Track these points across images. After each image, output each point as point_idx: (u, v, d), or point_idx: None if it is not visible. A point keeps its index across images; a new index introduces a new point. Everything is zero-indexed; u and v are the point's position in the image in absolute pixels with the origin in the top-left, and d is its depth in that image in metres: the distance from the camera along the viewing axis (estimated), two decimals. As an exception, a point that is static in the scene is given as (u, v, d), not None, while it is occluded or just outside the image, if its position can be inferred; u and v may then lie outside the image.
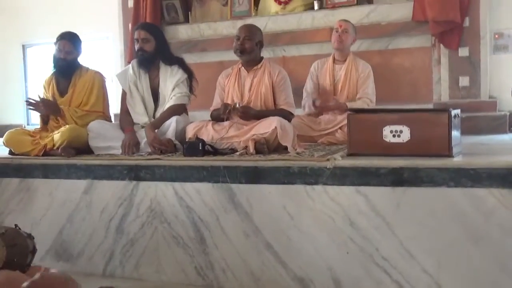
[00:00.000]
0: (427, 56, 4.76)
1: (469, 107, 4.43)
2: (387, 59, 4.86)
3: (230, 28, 5.45)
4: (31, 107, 3.64)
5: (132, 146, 3.42)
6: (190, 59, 5.50)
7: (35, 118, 7.39)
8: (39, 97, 3.67)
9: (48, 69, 6.82)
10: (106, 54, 6.59)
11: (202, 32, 5.61)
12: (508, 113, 4.46)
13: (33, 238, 2.72)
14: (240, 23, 5.32)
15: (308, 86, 4.22)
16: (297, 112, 3.79)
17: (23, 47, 7.34)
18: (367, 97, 3.96)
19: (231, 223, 2.99)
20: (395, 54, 4.86)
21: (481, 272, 2.49)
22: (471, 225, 2.50)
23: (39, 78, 7.20)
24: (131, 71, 3.78)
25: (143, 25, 3.82)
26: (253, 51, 3.44)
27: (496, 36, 4.81)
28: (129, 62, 5.44)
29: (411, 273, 2.61)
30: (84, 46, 3.85)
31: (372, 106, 3.96)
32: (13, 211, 3.58)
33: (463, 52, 4.56)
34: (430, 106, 4.65)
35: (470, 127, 4.22)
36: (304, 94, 4.20)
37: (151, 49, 3.65)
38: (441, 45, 4.61)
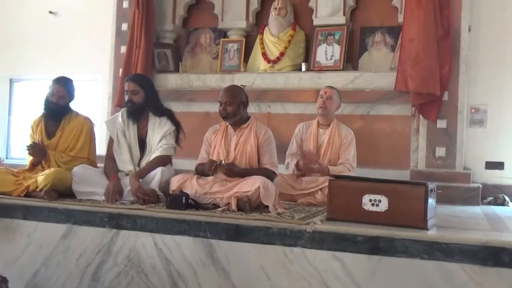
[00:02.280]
0: (407, 125, 4.94)
1: (444, 177, 4.59)
2: (368, 124, 5.03)
3: (218, 81, 5.60)
4: (29, 152, 3.67)
5: (115, 193, 3.46)
6: (177, 107, 5.61)
7: (15, 152, 7.38)
8: (32, 141, 3.71)
9: (35, 104, 6.90)
10: (93, 96, 6.65)
11: (191, 82, 5.74)
12: (480, 186, 4.62)
13: (7, 282, 2.72)
14: (229, 77, 5.51)
15: (293, 147, 4.34)
16: (280, 169, 3.89)
17: (11, 81, 7.37)
18: (348, 162, 4.09)
19: (208, 278, 3.01)
20: (376, 120, 5.03)
21: None
22: (442, 298, 2.58)
23: (24, 113, 7.26)
24: (120, 119, 3.85)
25: (133, 77, 3.93)
26: (237, 113, 3.55)
27: (473, 110, 5.05)
28: (116, 106, 5.58)
29: None
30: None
31: (353, 171, 4.08)
32: (-12, 250, 3.54)
33: (441, 124, 4.74)
34: (407, 172, 4.79)
35: (444, 197, 4.34)
36: (288, 157, 4.30)
37: (140, 100, 3.75)
38: (421, 115, 4.79)
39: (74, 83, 3.91)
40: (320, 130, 4.25)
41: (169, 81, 5.82)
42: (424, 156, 4.81)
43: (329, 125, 4.22)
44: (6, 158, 7.34)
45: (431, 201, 2.83)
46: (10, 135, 7.40)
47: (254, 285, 2.91)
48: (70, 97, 3.86)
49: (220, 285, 2.98)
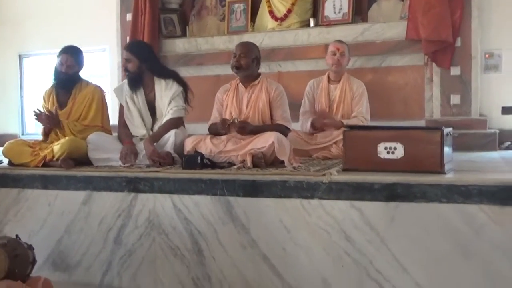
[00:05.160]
0: (420, 74, 4.87)
1: (460, 124, 4.55)
2: (380, 77, 4.97)
3: (226, 43, 5.55)
4: (36, 118, 3.68)
5: (130, 155, 3.48)
6: (187, 72, 5.62)
7: (30, 128, 7.45)
8: (42, 110, 3.73)
9: (45, 79, 6.94)
10: (103, 66, 6.65)
11: (199, 46, 5.70)
12: (497, 131, 4.57)
13: (33, 249, 2.78)
14: (236, 38, 5.44)
15: (306, 105, 4.32)
16: (293, 126, 3.88)
17: (20, 57, 7.39)
18: (362, 115, 4.06)
19: (228, 235, 3.05)
20: (388, 72, 4.97)
21: (470, 285, 2.57)
22: (461, 240, 2.58)
23: (35, 88, 7.30)
24: (127, 85, 3.84)
25: (126, 46, 3.95)
26: (249, 67, 3.52)
27: (487, 56, 4.94)
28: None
29: (404, 285, 2.68)
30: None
31: (366, 124, 4.06)
32: (11, 221, 3.61)
33: (455, 71, 4.68)
34: (422, 123, 4.76)
35: (461, 144, 4.33)
36: (301, 115, 4.28)
37: (134, 68, 3.73)
38: (434, 64, 4.72)
39: (82, 51, 3.89)
40: (331, 85, 4.22)
41: (177, 46, 5.78)
42: (439, 105, 4.77)
43: (340, 80, 4.18)
44: (22, 134, 7.42)
45: (447, 145, 2.81)
46: (24, 111, 7.46)
47: (274, 239, 2.94)
48: (79, 66, 3.86)
49: (241, 241, 3.01)
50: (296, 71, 5.32)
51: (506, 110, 4.91)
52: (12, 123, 7.39)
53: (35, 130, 7.26)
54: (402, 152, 2.82)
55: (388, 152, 2.85)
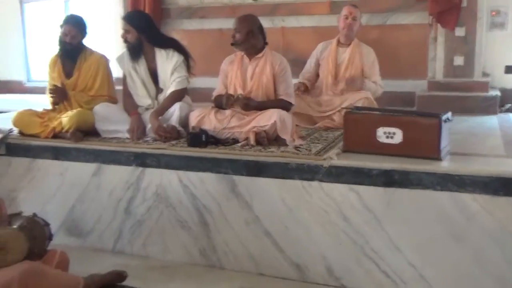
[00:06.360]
0: (424, 34, 4.84)
1: (461, 87, 4.60)
2: (385, 34, 4.94)
3: (230, -5, 5.48)
4: (51, 93, 3.76)
5: (139, 132, 3.57)
6: (189, 25, 5.60)
7: (35, 74, 7.48)
8: (50, 82, 3.79)
9: (47, 25, 6.86)
10: (105, 16, 6.56)
11: (202, -1, 5.62)
12: (499, 95, 4.61)
13: (49, 225, 2.93)
14: (239, -10, 5.38)
15: (306, 66, 4.36)
16: (294, 81, 3.91)
17: (21, 2, 7.29)
18: (379, 83, 4.14)
19: (232, 211, 3.20)
20: (393, 29, 4.94)
21: (460, 267, 2.74)
22: (454, 226, 2.72)
23: (38, 34, 7.26)
24: (128, 55, 3.86)
25: (125, 16, 3.89)
26: (245, 41, 3.49)
27: (493, 13, 4.88)
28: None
29: (398, 265, 2.86)
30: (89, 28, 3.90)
31: (382, 90, 4.14)
32: (25, 188, 3.77)
33: (460, 31, 4.64)
34: (425, 82, 4.80)
35: (462, 107, 4.41)
36: (301, 76, 4.35)
37: (133, 39, 3.72)
38: (439, 24, 4.67)
39: (84, 20, 3.87)
40: (340, 49, 4.23)
41: (179, -1, 5.70)
42: (442, 66, 4.77)
43: (350, 44, 4.19)
44: (28, 81, 7.46)
45: (444, 130, 2.88)
46: (28, 58, 7.46)
47: (277, 217, 3.09)
48: (83, 34, 3.85)
49: (244, 217, 3.17)
50: (300, 26, 5.29)
51: (510, 69, 4.92)
52: (17, 70, 7.42)
53: (40, 77, 7.30)
54: (401, 137, 2.90)
55: (387, 137, 2.94)
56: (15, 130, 3.86)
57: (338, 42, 4.24)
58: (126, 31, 3.72)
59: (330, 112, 3.99)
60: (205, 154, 3.24)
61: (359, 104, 3.76)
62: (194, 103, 3.95)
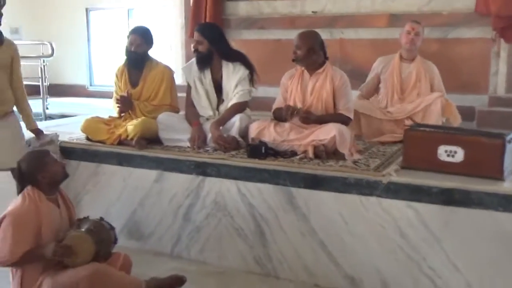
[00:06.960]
0: (486, 48, 4.75)
1: (523, 103, 4.48)
2: (445, 48, 4.88)
3: (289, 7, 5.56)
4: (118, 102, 3.93)
5: (200, 142, 3.69)
6: (248, 35, 5.70)
7: (97, 79, 7.80)
8: (118, 90, 3.97)
9: (110, 33, 7.17)
10: (165, 23, 6.77)
11: (261, 9, 5.72)
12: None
13: (114, 229, 3.07)
14: (299, 3, 5.46)
15: (368, 79, 4.37)
16: (354, 94, 3.99)
17: (87, 10, 7.63)
18: (443, 93, 4.15)
19: (289, 222, 3.27)
20: (454, 43, 4.87)
21: (520, 290, 2.71)
22: (515, 248, 2.69)
23: (102, 41, 7.57)
24: (195, 65, 3.99)
25: (197, 27, 4.03)
26: (306, 58, 3.55)
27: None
28: (190, 37, 5.70)
29: (455, 284, 2.84)
30: (154, 38, 4.07)
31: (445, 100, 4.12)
32: (91, 191, 3.96)
33: (524, 47, 4.54)
34: (485, 98, 4.72)
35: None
36: (359, 90, 4.38)
37: (204, 50, 3.86)
38: (502, 39, 4.59)
39: (150, 30, 4.04)
40: (404, 64, 4.23)
41: (240, 9, 5.83)
42: (504, 80, 4.68)
43: (413, 59, 4.21)
44: (90, 85, 7.79)
45: (508, 151, 2.84)
46: (91, 63, 7.79)
47: (333, 230, 3.13)
48: (148, 45, 4.01)
49: (301, 229, 3.23)
50: (358, 38, 5.29)
51: None
52: (81, 74, 7.76)
53: (102, 82, 7.62)
54: (462, 156, 2.89)
55: (448, 155, 2.93)
56: (58, 136, 3.98)
57: (401, 57, 4.25)
58: (198, 42, 3.86)
59: (402, 117, 4.04)
60: (263, 166, 3.32)
61: (438, 104, 3.89)
62: (250, 111, 4.05)
